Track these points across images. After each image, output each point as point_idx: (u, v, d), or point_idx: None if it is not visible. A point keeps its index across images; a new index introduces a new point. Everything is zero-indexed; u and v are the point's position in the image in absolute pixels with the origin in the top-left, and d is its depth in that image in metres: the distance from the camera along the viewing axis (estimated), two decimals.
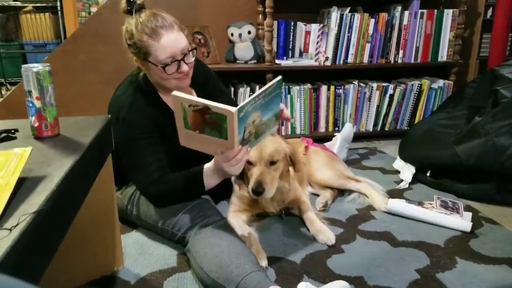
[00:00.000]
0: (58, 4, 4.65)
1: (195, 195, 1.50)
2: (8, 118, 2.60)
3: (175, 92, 1.22)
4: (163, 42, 1.46)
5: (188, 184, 1.48)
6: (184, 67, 1.53)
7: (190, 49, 1.54)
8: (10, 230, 0.63)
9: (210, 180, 1.45)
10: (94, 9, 4.93)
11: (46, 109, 1.08)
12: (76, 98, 2.68)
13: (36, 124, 1.09)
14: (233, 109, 1.17)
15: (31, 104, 1.07)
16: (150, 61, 1.50)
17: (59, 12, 4.70)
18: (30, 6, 4.82)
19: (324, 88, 2.87)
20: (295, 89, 2.82)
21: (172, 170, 1.55)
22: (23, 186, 0.79)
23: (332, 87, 2.87)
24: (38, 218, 0.69)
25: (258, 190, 1.53)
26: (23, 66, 1.04)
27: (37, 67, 1.04)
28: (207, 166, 1.44)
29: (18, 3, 4.78)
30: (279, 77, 1.29)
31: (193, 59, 1.56)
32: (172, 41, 1.47)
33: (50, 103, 1.08)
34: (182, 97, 1.21)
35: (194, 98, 1.21)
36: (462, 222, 1.70)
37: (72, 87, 2.67)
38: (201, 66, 1.79)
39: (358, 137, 2.90)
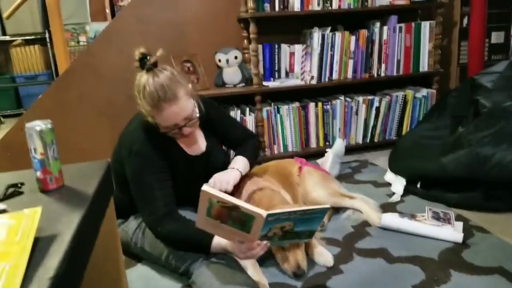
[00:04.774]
0: (47, 35, 4.72)
1: (198, 252, 1.54)
2: (6, 156, 2.66)
3: (205, 187, 1.23)
4: (165, 115, 1.55)
5: (195, 242, 1.51)
6: (186, 131, 1.62)
7: (194, 116, 1.62)
8: None
9: (216, 251, 1.49)
10: (82, 38, 4.99)
11: (50, 163, 1.13)
12: (71, 131, 2.74)
13: (42, 178, 1.14)
14: (264, 213, 1.19)
15: (36, 160, 1.12)
16: (156, 121, 1.60)
17: (48, 44, 4.76)
18: (19, 40, 4.88)
19: (312, 105, 2.94)
20: (284, 108, 2.89)
21: (179, 205, 1.61)
22: (37, 248, 0.84)
23: (320, 104, 2.95)
24: (55, 282, 0.74)
25: (299, 273, 1.54)
26: (26, 125, 1.09)
27: (39, 125, 1.09)
28: (218, 241, 1.46)
29: (8, 38, 4.85)
30: (327, 206, 1.32)
31: (197, 123, 1.66)
32: (173, 114, 1.55)
33: (54, 157, 1.14)
34: (212, 193, 1.23)
35: (224, 196, 1.22)
36: (454, 233, 1.76)
37: (66, 120, 2.73)
38: (209, 107, 1.82)
39: (349, 149, 2.97)
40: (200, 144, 1.81)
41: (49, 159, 1.13)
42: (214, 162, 1.82)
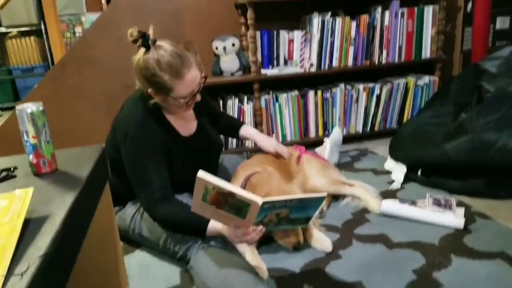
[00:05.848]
0: (43, 27, 4.67)
1: (194, 235, 1.53)
2: (3, 149, 2.63)
3: (200, 174, 1.20)
4: (186, 80, 1.53)
5: (191, 224, 1.49)
6: (198, 96, 1.62)
7: (202, 79, 1.61)
8: (22, 275, 0.66)
9: (211, 234, 1.47)
10: (78, 29, 4.95)
11: (43, 147, 1.11)
12: (67, 122, 2.72)
13: (34, 162, 1.12)
14: (259, 200, 1.17)
15: (28, 144, 1.10)
16: (171, 96, 1.56)
17: (44, 35, 4.72)
18: (14, 31, 4.84)
19: (311, 93, 2.91)
20: (282, 96, 2.86)
21: (176, 190, 1.60)
22: (28, 228, 0.82)
23: (319, 92, 2.92)
24: (46, 260, 0.72)
25: (299, 246, 1.64)
26: (17, 107, 1.07)
27: (31, 107, 1.07)
28: (213, 225, 1.44)
29: (3, 29, 4.80)
30: (323, 195, 1.29)
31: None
32: (193, 78, 1.55)
33: (46, 140, 1.11)
34: (208, 180, 1.20)
35: (220, 183, 1.20)
36: (455, 219, 1.74)
37: (62, 112, 2.70)
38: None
39: (348, 138, 2.96)
40: (193, 123, 1.80)
41: (41, 142, 1.11)
42: (207, 142, 1.81)
